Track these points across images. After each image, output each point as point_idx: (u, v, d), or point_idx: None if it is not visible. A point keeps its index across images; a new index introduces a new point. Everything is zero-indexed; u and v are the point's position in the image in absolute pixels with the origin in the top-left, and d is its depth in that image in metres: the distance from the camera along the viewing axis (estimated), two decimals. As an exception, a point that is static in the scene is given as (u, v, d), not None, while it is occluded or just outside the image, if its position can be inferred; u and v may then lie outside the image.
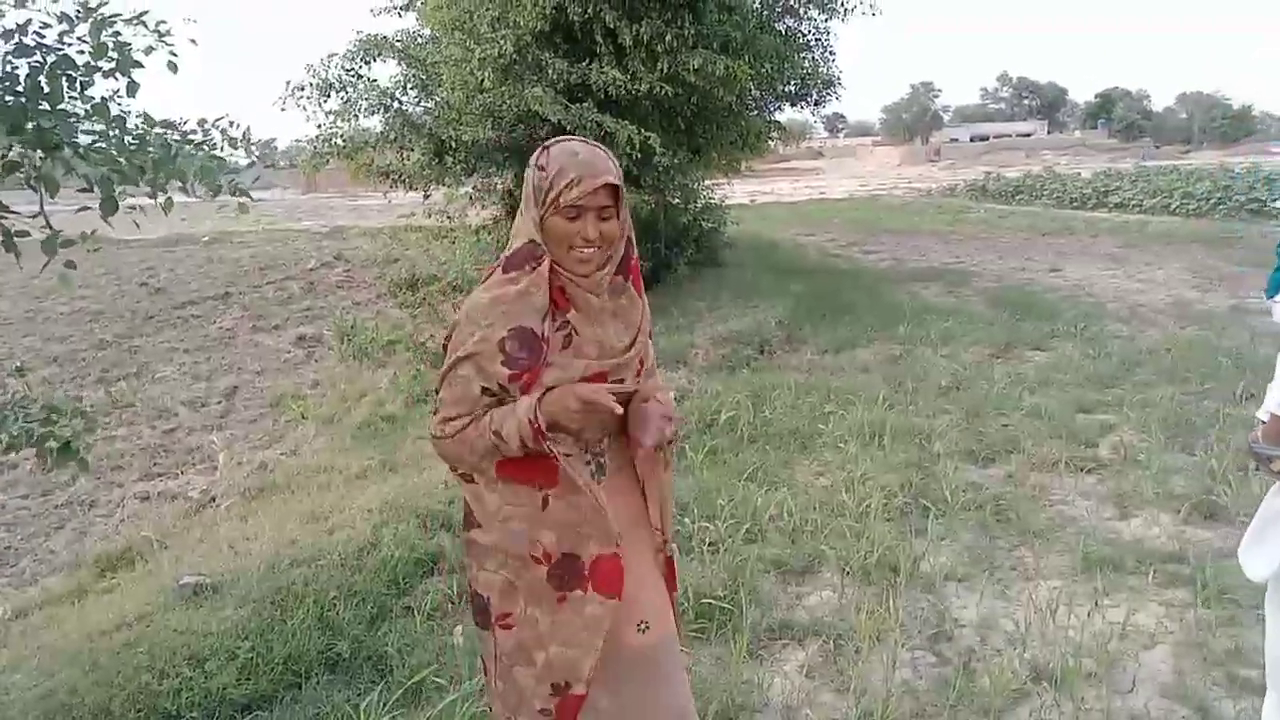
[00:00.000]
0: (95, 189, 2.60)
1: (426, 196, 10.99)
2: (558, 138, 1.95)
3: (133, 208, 2.79)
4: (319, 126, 10.86)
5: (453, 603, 4.01)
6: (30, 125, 2.44)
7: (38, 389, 10.37)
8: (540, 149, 1.91)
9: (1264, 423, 2.32)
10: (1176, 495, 4.77)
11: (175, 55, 2.86)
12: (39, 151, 2.54)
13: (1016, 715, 3.04)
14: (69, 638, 3.97)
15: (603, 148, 1.92)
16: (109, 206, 2.63)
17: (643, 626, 2.02)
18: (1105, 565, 4.03)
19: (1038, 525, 4.50)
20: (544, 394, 1.85)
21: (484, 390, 1.88)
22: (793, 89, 13.26)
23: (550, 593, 1.94)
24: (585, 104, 9.58)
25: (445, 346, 1.97)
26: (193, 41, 2.92)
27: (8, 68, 2.57)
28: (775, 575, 4.09)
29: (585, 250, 1.86)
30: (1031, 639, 3.47)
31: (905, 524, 4.54)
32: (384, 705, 3.04)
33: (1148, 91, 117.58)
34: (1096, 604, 3.71)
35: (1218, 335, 8.39)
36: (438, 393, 1.97)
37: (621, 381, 1.95)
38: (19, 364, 11.43)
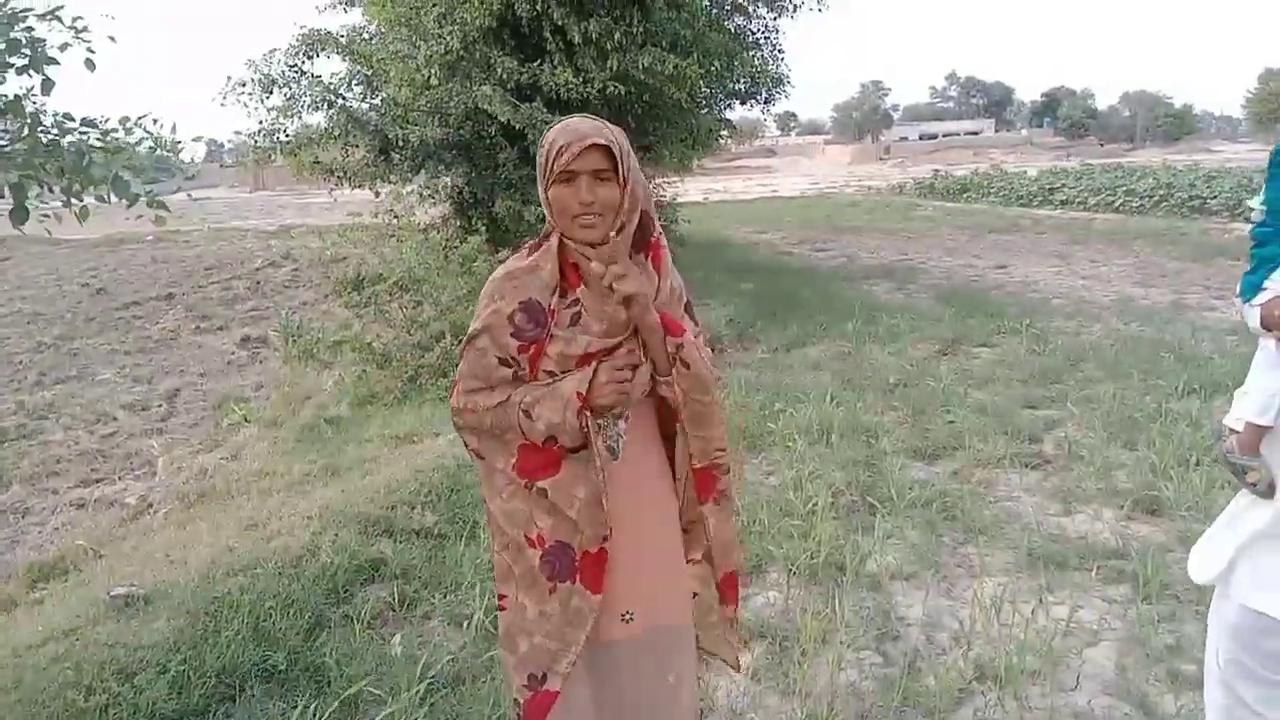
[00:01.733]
0: (5, 193, 2.48)
1: (377, 195, 10.85)
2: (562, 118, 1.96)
3: (45, 215, 2.66)
4: (260, 123, 10.67)
5: (393, 610, 3.93)
6: (-65, 124, 2.32)
7: (-30, 393, 10.08)
8: (547, 128, 1.94)
9: (1234, 432, 2.29)
10: (1119, 491, 4.81)
11: (93, 52, 2.75)
12: (-55, 154, 2.42)
13: (961, 715, 3.03)
14: (-6, 653, 3.83)
15: (604, 121, 1.90)
16: (19, 215, 2.51)
17: (628, 616, 1.97)
18: (1049, 562, 4.04)
19: (983, 522, 4.51)
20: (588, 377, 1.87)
21: (499, 361, 1.91)
22: (742, 87, 13.29)
23: (541, 580, 1.94)
24: (534, 103, 9.50)
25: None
26: (111, 39, 2.80)
27: (-89, 63, 2.44)
28: (722, 577, 4.05)
29: (586, 217, 1.84)
30: (976, 637, 3.47)
31: (852, 522, 4.53)
32: (319, 717, 2.95)
33: (1093, 90, 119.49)
34: (1040, 601, 3.72)
35: (1160, 331, 8.52)
36: (458, 366, 2.00)
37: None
38: (-50, 368, 11.14)
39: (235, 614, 3.67)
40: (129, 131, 2.77)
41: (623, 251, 1.89)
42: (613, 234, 1.85)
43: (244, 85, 10.43)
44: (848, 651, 3.38)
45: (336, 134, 10.60)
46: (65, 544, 5.81)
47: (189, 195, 3.21)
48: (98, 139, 2.64)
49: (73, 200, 2.61)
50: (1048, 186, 26.76)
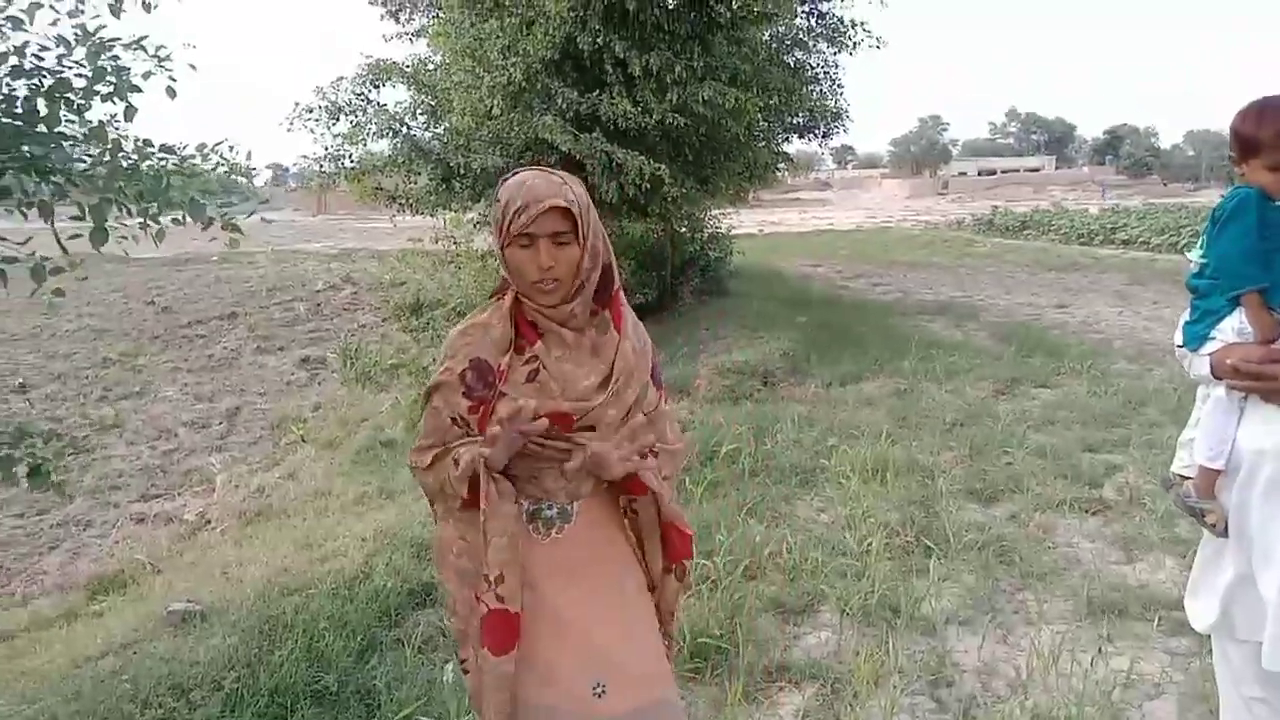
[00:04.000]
0: (87, 216, 2.57)
1: (434, 217, 11.02)
2: (517, 169, 1.89)
3: (124, 237, 2.75)
4: (326, 149, 10.91)
5: (444, 635, 3.93)
6: (24, 149, 2.40)
7: (39, 406, 10.37)
8: (501, 182, 1.86)
9: (1183, 478, 2.43)
10: (1183, 540, 4.69)
11: (174, 80, 2.85)
12: (32, 175, 2.51)
13: (1017, 766, 2.96)
14: (55, 663, 3.92)
15: (562, 175, 1.84)
16: (99, 236, 2.60)
17: (598, 690, 1.85)
18: (1110, 611, 3.95)
19: (1041, 568, 4.42)
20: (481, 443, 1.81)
21: (452, 420, 1.88)
22: (800, 121, 13.30)
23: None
24: (594, 134, 9.59)
25: None
26: (192, 66, 2.90)
27: (5, 90, 2.54)
28: (773, 614, 4.01)
29: (545, 283, 1.79)
30: (1033, 686, 3.39)
31: (906, 563, 4.46)
32: (369, 743, 2.97)
33: (1156, 129, 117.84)
34: (1100, 650, 3.63)
35: (1225, 376, 8.30)
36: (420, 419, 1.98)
37: (592, 430, 1.84)
38: (20, 381, 11.48)
39: (289, 634, 3.72)
40: (205, 158, 2.86)
41: (582, 312, 1.85)
42: (571, 304, 1.83)
43: (311, 111, 10.68)
44: (901, 696, 3.32)
45: (400, 161, 10.81)
46: (125, 557, 5.94)
47: (263, 218, 3.29)
48: (174, 164, 2.72)
49: (149, 222, 2.69)
50: (1109, 225, 26.40)
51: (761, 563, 4.46)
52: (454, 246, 10.64)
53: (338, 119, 10.75)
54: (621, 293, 1.95)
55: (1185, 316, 2.43)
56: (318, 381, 11.92)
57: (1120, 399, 7.49)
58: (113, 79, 2.63)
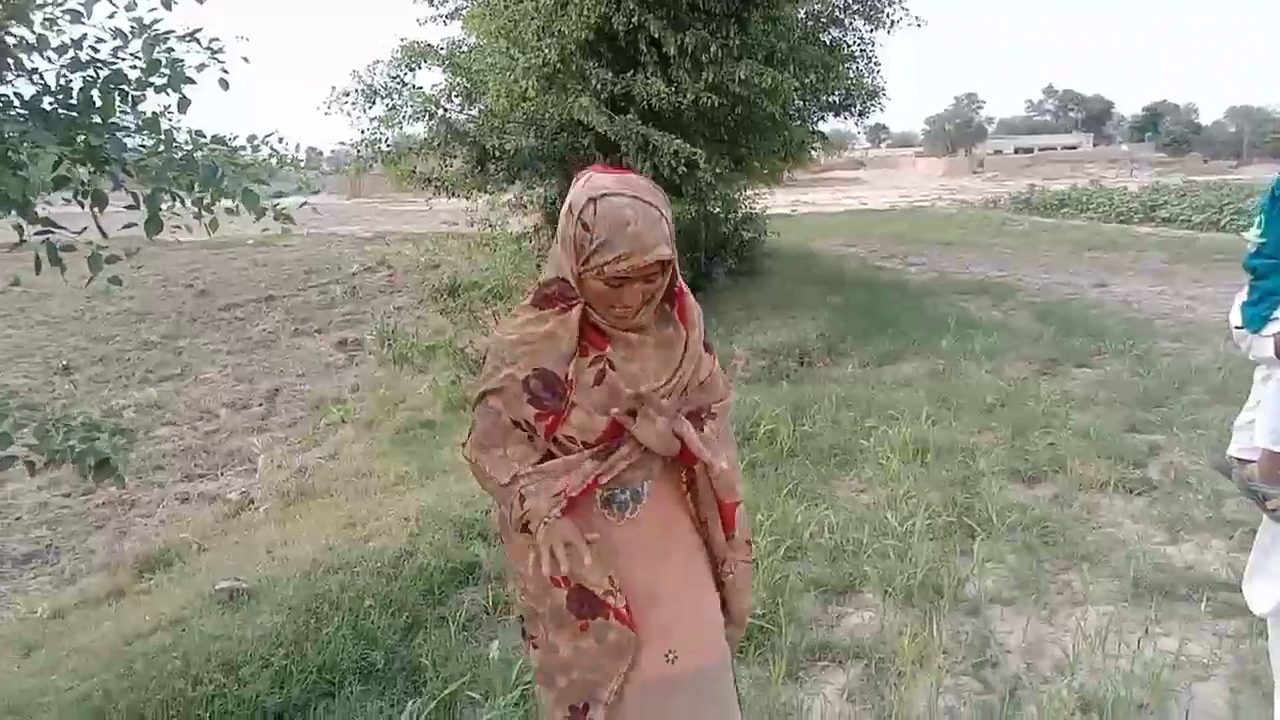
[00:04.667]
0: (141, 205, 2.59)
1: (470, 200, 11.05)
2: (604, 184, 1.75)
3: (176, 226, 2.79)
4: (362, 132, 10.95)
5: (488, 614, 3.98)
6: (80, 139, 2.43)
7: (83, 388, 10.54)
8: (585, 199, 1.72)
9: (1243, 461, 2.42)
10: (1229, 521, 4.63)
11: (227, 72, 2.87)
12: (88, 165, 2.54)
13: (1064, 747, 2.94)
14: (105, 639, 3.99)
15: (656, 201, 1.75)
16: (153, 226, 2.63)
17: (670, 656, 1.91)
18: (1156, 592, 3.91)
19: (1085, 548, 4.38)
20: (554, 523, 1.79)
21: (513, 423, 1.85)
22: (837, 99, 13.18)
23: (572, 619, 1.89)
24: (629, 115, 9.56)
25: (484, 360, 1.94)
26: (245, 59, 2.92)
27: (61, 81, 2.57)
28: (815, 594, 4.01)
29: (627, 314, 1.77)
30: (1080, 667, 3.37)
31: (948, 544, 4.44)
32: (418, 719, 3.00)
33: (1196, 105, 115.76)
34: (1147, 631, 3.60)
35: (1272, 355, 8.16)
36: (472, 412, 1.95)
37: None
38: (65, 363, 11.66)
39: (336, 611, 3.77)
40: (255, 149, 2.88)
41: (649, 316, 1.83)
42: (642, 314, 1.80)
43: (348, 95, 10.72)
44: (946, 676, 3.31)
45: (436, 144, 10.83)
46: (170, 537, 6.04)
47: (314, 209, 3.32)
48: (225, 155, 2.75)
49: (203, 212, 2.73)
50: (1149, 203, 25.96)
51: (802, 543, 4.45)
52: (490, 229, 10.67)
53: (374, 102, 10.79)
54: (684, 288, 1.91)
55: (1242, 297, 2.38)
56: (355, 363, 12.01)
57: (1163, 379, 7.38)
58: (167, 71, 2.65)
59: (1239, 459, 2.43)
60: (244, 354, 12.58)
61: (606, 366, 1.81)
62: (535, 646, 1.99)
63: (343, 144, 11.21)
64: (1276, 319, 2.25)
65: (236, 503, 6.66)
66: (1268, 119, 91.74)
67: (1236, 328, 2.37)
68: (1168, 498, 5.02)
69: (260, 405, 9.87)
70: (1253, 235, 2.35)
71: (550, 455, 1.86)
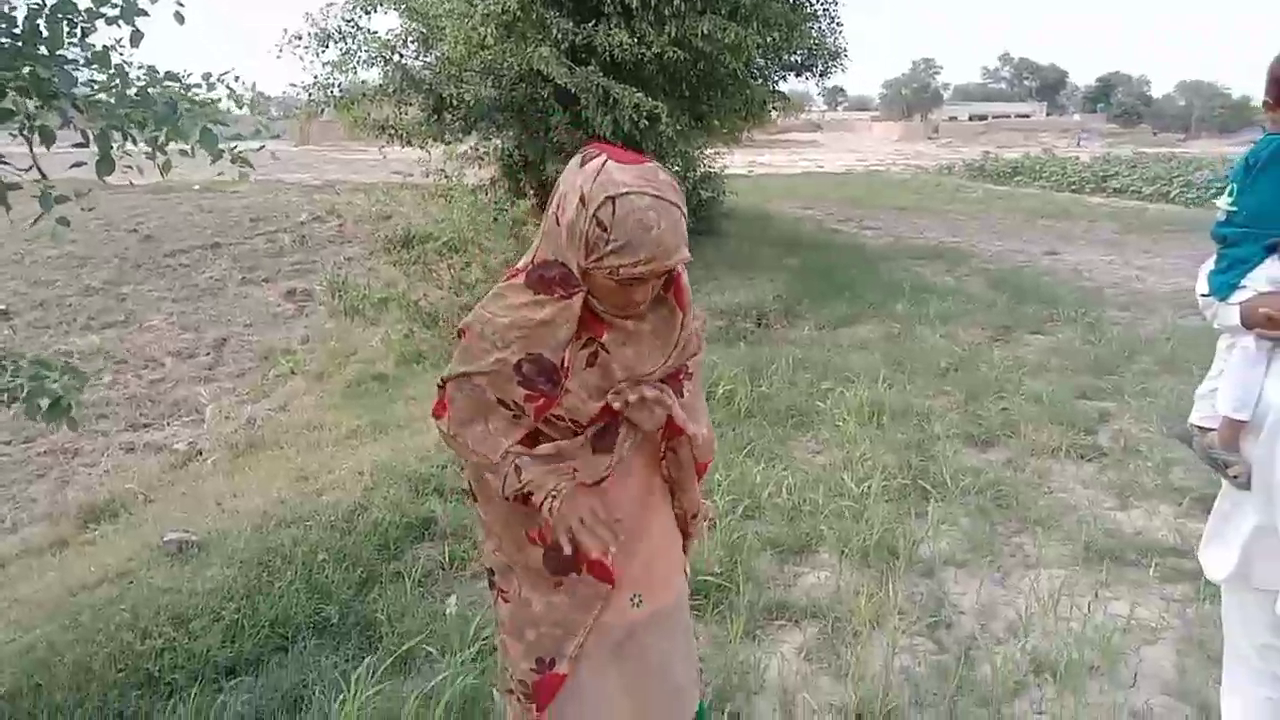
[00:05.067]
0: (92, 144, 2.46)
1: (425, 150, 10.83)
2: (623, 180, 1.59)
3: (129, 167, 2.65)
4: (315, 77, 10.66)
5: (444, 569, 3.94)
6: (26, 70, 2.29)
7: (22, 333, 10.24)
8: (603, 197, 1.58)
9: (1202, 429, 2.44)
10: (1177, 488, 4.72)
11: (181, 5, 2.72)
12: (34, 99, 2.40)
13: (1018, 707, 2.98)
14: (49, 590, 3.90)
15: (678, 200, 1.63)
16: (105, 166, 2.49)
17: (636, 600, 1.91)
18: (1106, 556, 3.97)
19: (1037, 513, 4.44)
20: (557, 498, 1.75)
21: (499, 401, 1.76)
22: (799, 59, 13.09)
23: (545, 576, 1.87)
24: (590, 66, 9.40)
25: (461, 334, 1.81)
26: (201, -10, 2.78)
27: (5, 8, 2.41)
28: (772, 554, 4.02)
29: (633, 308, 1.72)
30: (1033, 629, 3.41)
31: (904, 506, 4.47)
32: (373, 674, 2.96)
33: (1148, 78, 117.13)
34: (1097, 595, 3.66)
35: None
36: (441, 386, 1.85)
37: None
38: (3, 307, 11.31)
39: (288, 566, 3.71)
40: (211, 87, 2.75)
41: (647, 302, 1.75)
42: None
43: (300, 38, 10.42)
44: (901, 637, 3.34)
45: (390, 91, 10.58)
46: (115, 487, 5.90)
47: (273, 154, 3.18)
48: (180, 93, 2.62)
49: (157, 152, 2.59)
50: (1100, 173, 26.31)
51: (760, 503, 4.46)
52: (446, 180, 10.48)
53: (326, 46, 10.50)
54: (680, 274, 1.82)
55: (1210, 265, 2.39)
56: (305, 314, 11.80)
57: (1113, 347, 7.50)
58: (119, 1, 2.50)
59: (1200, 427, 2.44)
60: (190, 302, 12.28)
61: (599, 349, 1.75)
62: (506, 600, 1.96)
63: (293, 85, 10.90)
64: (1244, 287, 2.24)
65: (184, 453, 6.52)
66: (1216, 94, 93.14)
67: (1203, 295, 2.38)
68: (1118, 464, 5.10)
69: (207, 355, 9.66)
70: (1224, 203, 2.34)
71: (538, 433, 1.80)
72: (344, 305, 10.73)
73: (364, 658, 3.11)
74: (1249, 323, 2.21)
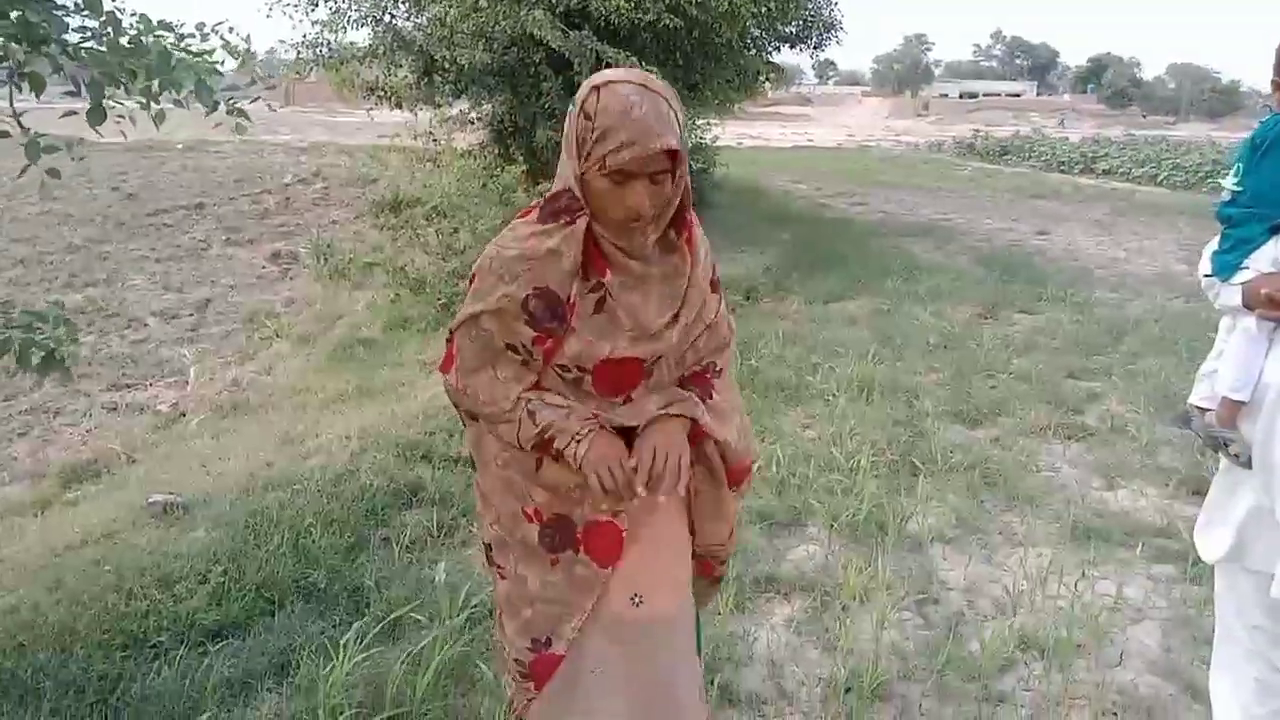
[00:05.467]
0: (83, 92, 2.38)
1: (416, 116, 10.71)
2: (609, 74, 1.63)
3: (121, 117, 2.57)
4: (304, 36, 10.50)
5: (432, 536, 3.92)
6: (15, 15, 2.21)
7: (3, 290, 10.11)
8: (589, 88, 1.61)
9: (1201, 410, 2.43)
10: (1164, 469, 4.75)
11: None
12: (23, 45, 2.31)
13: (1005, 683, 2.99)
14: (31, 551, 3.86)
15: (664, 91, 1.62)
16: (96, 115, 2.42)
17: (636, 599, 1.85)
18: (1093, 536, 3.99)
19: (1025, 491, 4.45)
20: (590, 443, 1.71)
21: (507, 346, 1.73)
22: (793, 30, 12.98)
23: (542, 554, 1.83)
24: (584, 31, 9.30)
25: (472, 279, 1.79)
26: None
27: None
28: (761, 527, 4.02)
29: (635, 223, 1.63)
30: (1021, 607, 3.43)
31: (893, 482, 4.48)
32: (361, 640, 2.94)
33: (1139, 60, 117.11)
34: (1084, 574, 3.66)
35: (1206, 310, 8.33)
36: (450, 337, 1.83)
37: (657, 359, 1.76)
38: (-16, 263, 11.16)
39: (275, 529, 3.68)
40: (205, 38, 2.67)
41: (655, 239, 1.71)
42: (647, 236, 1.69)
43: (289, -4, 10.25)
44: (890, 612, 3.34)
45: (380, 52, 10.43)
46: (98, 447, 5.84)
47: (270, 106, 3.10)
48: (173, 42, 2.54)
49: (151, 103, 2.53)
50: (1090, 154, 26.33)
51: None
52: (434, 144, 10.37)
53: (316, 4, 10.33)
54: (693, 215, 1.78)
55: (1213, 245, 2.38)
56: (289, 276, 11.68)
57: (1101, 328, 7.52)
58: (112, -58, 2.43)
59: (1199, 407, 2.44)
60: (173, 262, 12.14)
61: (606, 294, 1.69)
62: (503, 577, 1.93)
63: (283, 42, 10.72)
64: (1246, 268, 2.23)
65: (167, 414, 6.46)
66: (1206, 78, 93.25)
67: (1206, 275, 2.37)
68: (1105, 444, 5.12)
69: (191, 315, 9.56)
70: (1229, 183, 2.33)
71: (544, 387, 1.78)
72: (329, 269, 10.64)
73: (352, 623, 3.09)
74: (1250, 303, 2.20)
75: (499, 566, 1.93)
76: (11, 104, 2.63)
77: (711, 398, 1.85)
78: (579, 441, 1.71)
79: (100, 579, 3.27)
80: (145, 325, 9.04)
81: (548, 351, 1.71)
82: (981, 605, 3.50)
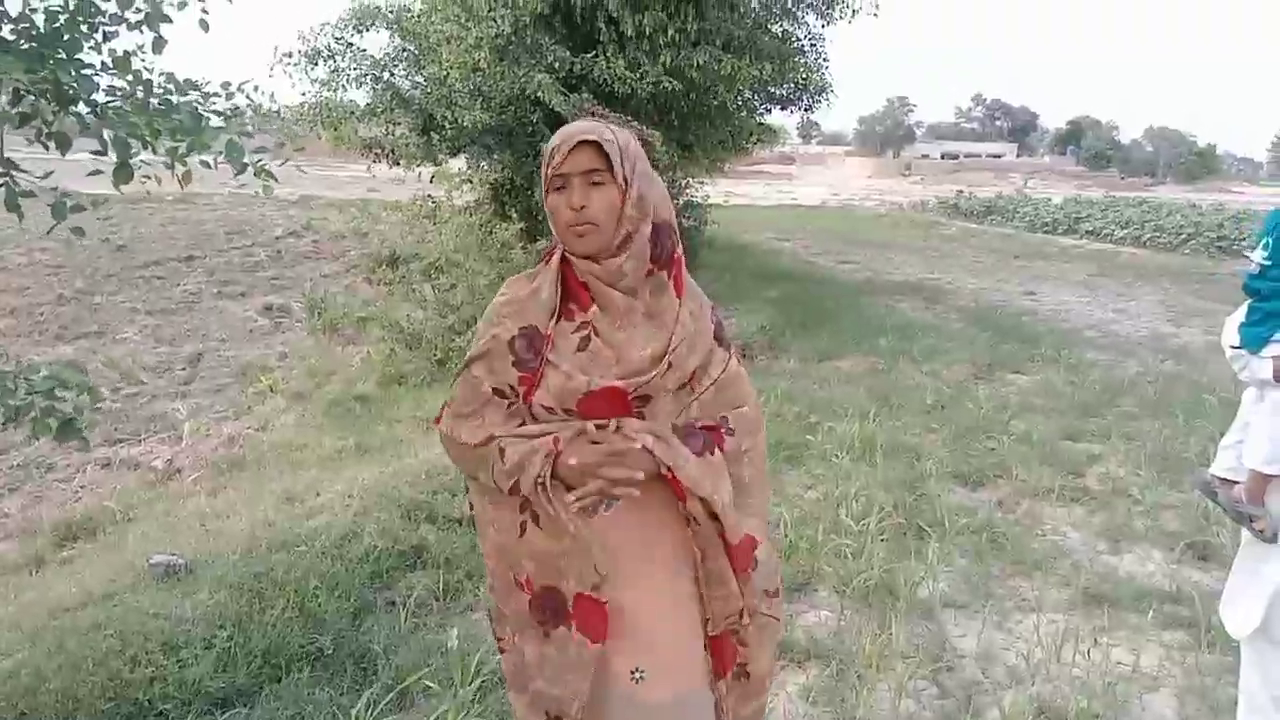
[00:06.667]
0: (110, 152, 2.39)
1: (418, 175, 10.79)
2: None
3: (146, 177, 2.58)
4: (304, 94, 10.60)
5: (437, 599, 3.86)
6: (44, 74, 2.22)
7: (-8, 341, 10.02)
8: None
9: (1225, 481, 2.44)
10: (1169, 532, 4.74)
11: (207, 13, 2.67)
12: (52, 104, 2.32)
13: (1025, 755, 2.96)
14: (29, 612, 3.77)
15: (610, 121, 1.74)
16: (123, 174, 2.42)
17: (637, 675, 1.76)
18: (1104, 601, 3.97)
19: (1032, 555, 4.43)
20: (558, 452, 1.68)
21: (495, 391, 1.75)
22: (785, 92, 13.17)
23: (535, 625, 1.79)
24: (583, 93, 9.41)
25: None
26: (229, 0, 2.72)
27: (25, 9, 2.34)
28: (771, 591, 3.97)
29: (579, 226, 1.65)
30: (1037, 675, 3.39)
31: (901, 545, 4.45)
32: (372, 709, 2.88)
33: (1116, 123, 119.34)
34: (1096, 641, 3.64)
35: (1199, 372, 8.42)
36: (452, 386, 1.84)
37: (645, 402, 1.71)
38: (-26, 315, 11.08)
39: (280, 592, 3.62)
40: (230, 96, 2.69)
41: (634, 271, 1.70)
42: (619, 260, 1.68)
43: (290, 56, 10.34)
44: (906, 680, 3.30)
45: (380, 110, 10.52)
46: (92, 504, 5.75)
47: (299, 168, 3.11)
48: (198, 101, 2.55)
49: (178, 163, 2.53)
50: (1073, 215, 26.68)
51: (756, 539, 4.41)
52: (431, 202, 10.44)
53: (316, 64, 10.43)
54: (682, 256, 1.79)
55: (1239, 317, 2.40)
56: (282, 330, 11.66)
57: (1096, 389, 7.56)
58: (143, 7, 2.44)
59: (1222, 479, 2.45)
60: (165, 315, 12.10)
61: (591, 332, 1.71)
62: (504, 650, 1.91)
63: (281, 106, 10.79)
64: (1276, 341, 2.25)
65: (162, 471, 6.37)
66: (1182, 141, 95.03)
67: (1233, 347, 2.38)
68: (1107, 507, 5.12)
69: (183, 369, 9.50)
70: (1258, 256, 2.35)
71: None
72: (323, 323, 10.63)
73: (360, 691, 3.04)
74: None
75: (499, 639, 1.91)
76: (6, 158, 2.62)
77: (713, 452, 1.78)
78: (541, 480, 1.68)
79: (103, 643, 3.19)
80: (138, 379, 8.97)
81: (527, 392, 1.71)
82: (996, 673, 3.46)
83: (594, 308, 1.71)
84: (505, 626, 1.88)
